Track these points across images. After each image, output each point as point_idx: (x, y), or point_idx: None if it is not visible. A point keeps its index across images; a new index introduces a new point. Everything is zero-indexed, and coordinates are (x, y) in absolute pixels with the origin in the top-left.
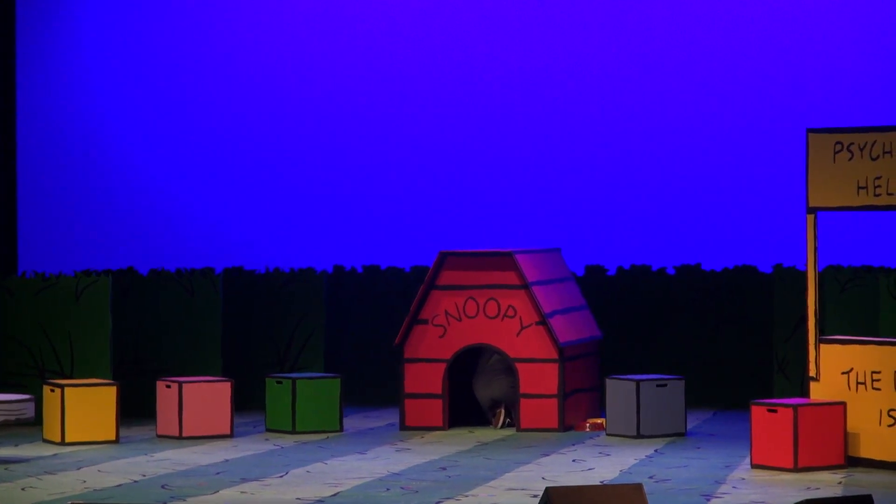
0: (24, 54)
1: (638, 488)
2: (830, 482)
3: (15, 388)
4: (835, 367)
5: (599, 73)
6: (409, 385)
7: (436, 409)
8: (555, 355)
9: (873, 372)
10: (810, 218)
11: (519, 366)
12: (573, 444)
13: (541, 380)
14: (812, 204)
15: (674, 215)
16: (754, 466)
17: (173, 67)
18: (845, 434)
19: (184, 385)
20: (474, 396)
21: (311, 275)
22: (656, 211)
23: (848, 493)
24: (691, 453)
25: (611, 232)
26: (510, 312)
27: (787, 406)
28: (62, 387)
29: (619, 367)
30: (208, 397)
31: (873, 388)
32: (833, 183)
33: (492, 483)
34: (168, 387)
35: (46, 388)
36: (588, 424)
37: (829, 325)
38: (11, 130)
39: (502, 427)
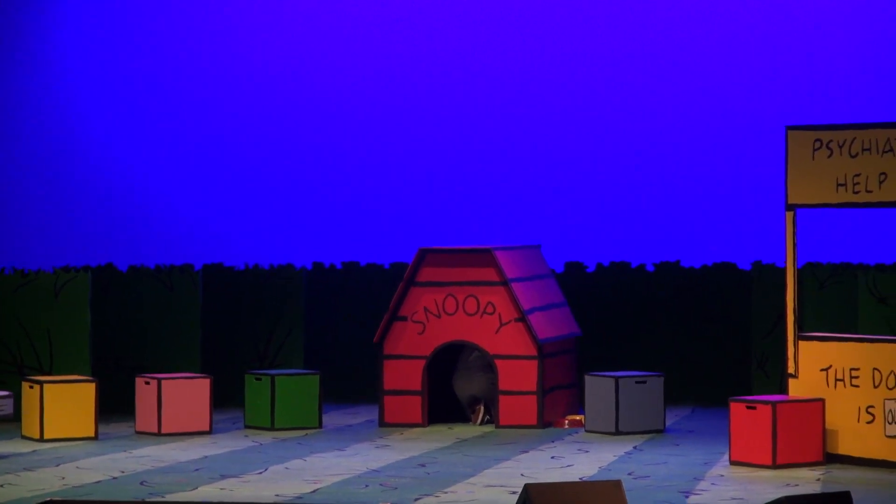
0: (1, 50)
1: (617, 485)
2: (809, 479)
3: None
4: (813, 363)
5: (578, 71)
6: (389, 382)
7: (415, 406)
8: (534, 352)
9: (852, 369)
10: (789, 215)
11: (498, 362)
12: (552, 441)
13: (520, 376)
14: (791, 201)
15: (653, 212)
16: (733, 463)
17: (153, 64)
18: (824, 431)
19: (163, 382)
20: (454, 393)
21: (290, 271)
22: (636, 208)
23: (826, 490)
24: (670, 450)
25: (590, 229)
26: (489, 309)
27: (765, 403)
28: (41, 383)
29: (598, 364)
30: (187, 394)
31: (852, 385)
32: (812, 180)
33: (471, 480)
34: (147, 383)
35: (25, 385)
36: (567, 421)
37: (808, 322)
38: None
39: (481, 424)
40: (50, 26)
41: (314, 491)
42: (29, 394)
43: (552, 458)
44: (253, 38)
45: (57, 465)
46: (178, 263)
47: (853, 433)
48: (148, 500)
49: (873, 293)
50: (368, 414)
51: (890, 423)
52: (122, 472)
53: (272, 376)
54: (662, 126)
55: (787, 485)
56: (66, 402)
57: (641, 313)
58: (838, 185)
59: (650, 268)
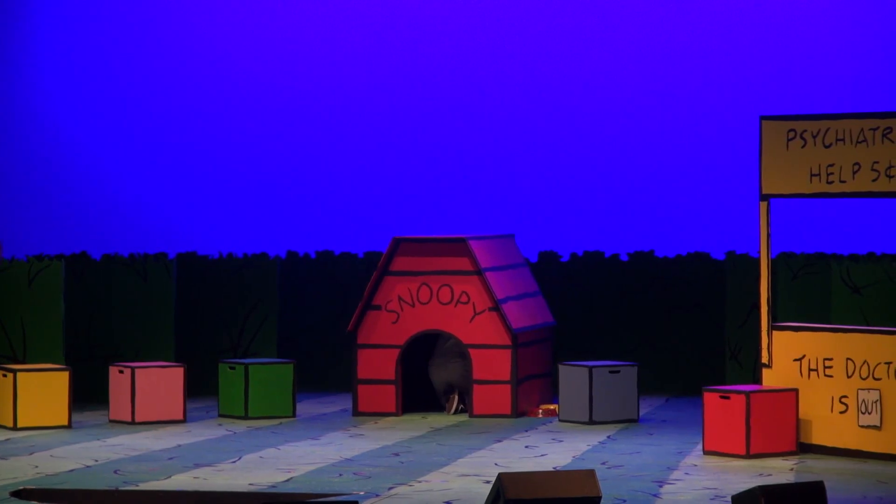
0: None
1: (590, 474)
2: (782, 469)
3: None
4: (787, 353)
5: (552, 62)
6: (363, 371)
7: (389, 395)
8: (508, 341)
9: (825, 359)
10: (763, 205)
11: (472, 352)
12: (526, 430)
13: (494, 366)
14: (765, 191)
15: (627, 202)
16: (706, 453)
17: (124, 54)
18: (797, 421)
19: (137, 370)
20: (427, 382)
21: (264, 260)
22: (609, 197)
23: (800, 480)
24: (644, 439)
25: (564, 218)
26: (463, 298)
27: (739, 392)
28: (14, 372)
29: (571, 354)
30: (161, 382)
31: (825, 375)
32: (786, 170)
33: (444, 469)
34: (121, 372)
35: None
36: (541, 410)
37: (782, 311)
38: None
39: (455, 413)
40: (23, 21)
41: (288, 480)
42: (2, 382)
43: (526, 447)
44: (225, 29)
45: (30, 454)
46: (151, 252)
47: (827, 423)
48: (121, 488)
49: (847, 283)
50: (342, 403)
51: (863, 413)
52: (96, 460)
53: (246, 365)
54: (637, 116)
55: (761, 474)
56: (40, 391)
57: (615, 303)
58: (812, 175)
59: (624, 257)
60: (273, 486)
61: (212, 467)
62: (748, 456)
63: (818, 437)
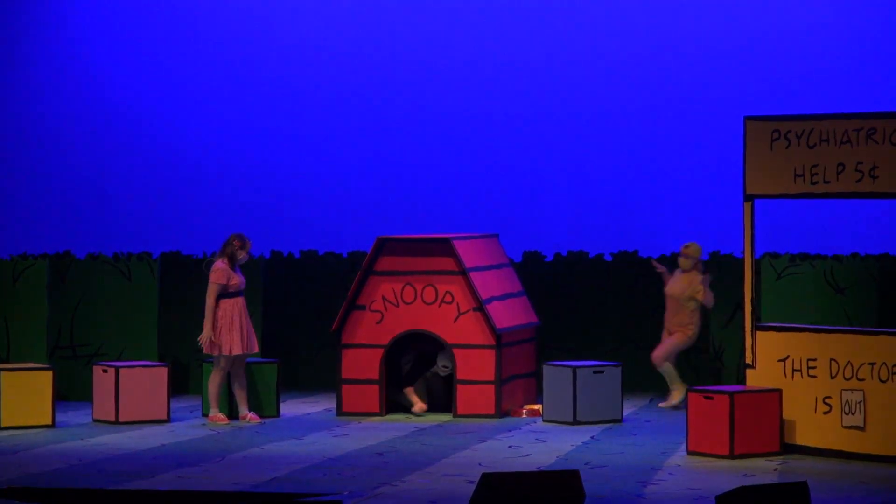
0: None
1: (574, 475)
2: (766, 469)
3: None
4: (771, 354)
5: (536, 62)
6: (346, 371)
7: (373, 395)
8: (492, 341)
9: (809, 359)
10: (747, 205)
11: (456, 351)
12: (510, 431)
13: (478, 366)
14: (749, 191)
15: (611, 202)
16: (690, 453)
17: (109, 54)
18: (781, 421)
19: (120, 370)
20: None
21: (248, 260)
22: (594, 197)
23: (783, 480)
24: (628, 440)
25: (548, 218)
26: (448, 298)
27: (723, 393)
28: None
29: (556, 354)
30: (145, 382)
31: (809, 376)
32: (770, 171)
33: (428, 469)
34: (105, 371)
35: None
36: (525, 410)
37: (766, 312)
38: None
39: (419, 413)
40: (11, 16)
41: (271, 480)
42: None
43: (510, 447)
44: (210, 29)
45: (14, 453)
46: (135, 251)
47: (810, 423)
48: (105, 488)
49: (830, 283)
50: (326, 403)
51: (847, 414)
52: (80, 460)
53: None
54: (621, 117)
55: (744, 475)
56: (24, 390)
57: (599, 303)
58: (796, 175)
59: (608, 257)
60: (257, 486)
61: (196, 467)
62: (732, 456)
63: (802, 438)
